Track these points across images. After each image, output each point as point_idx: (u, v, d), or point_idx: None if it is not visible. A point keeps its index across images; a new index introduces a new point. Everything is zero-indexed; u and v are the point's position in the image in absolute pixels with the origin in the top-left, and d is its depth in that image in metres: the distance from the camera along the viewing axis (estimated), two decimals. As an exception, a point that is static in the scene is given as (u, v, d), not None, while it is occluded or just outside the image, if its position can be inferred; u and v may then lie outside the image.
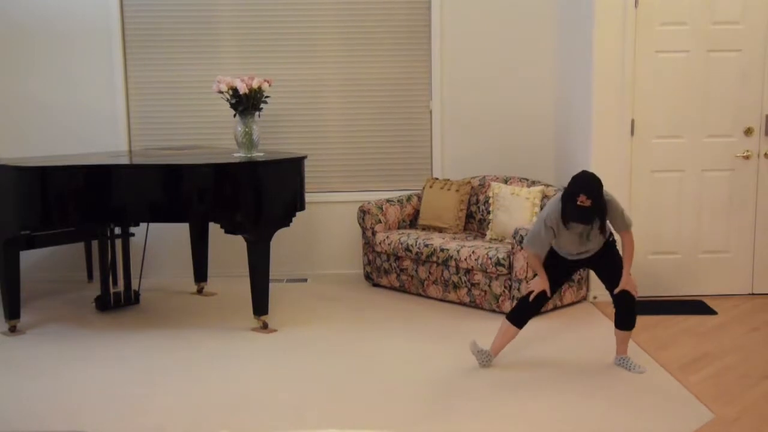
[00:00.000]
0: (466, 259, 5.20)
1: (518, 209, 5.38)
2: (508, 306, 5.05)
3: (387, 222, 5.86)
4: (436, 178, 6.06)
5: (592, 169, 5.33)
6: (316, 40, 6.16)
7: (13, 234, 4.82)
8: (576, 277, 5.32)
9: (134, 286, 5.56)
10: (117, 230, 5.53)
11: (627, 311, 4.16)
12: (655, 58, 5.32)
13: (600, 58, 5.30)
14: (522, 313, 4.18)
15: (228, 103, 5.18)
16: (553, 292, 4.18)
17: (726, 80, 5.35)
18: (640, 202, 5.45)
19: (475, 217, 5.92)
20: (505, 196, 5.48)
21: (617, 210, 4.01)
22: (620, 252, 4.19)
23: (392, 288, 5.78)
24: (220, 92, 5.15)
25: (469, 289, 5.26)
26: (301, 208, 5.04)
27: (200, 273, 5.81)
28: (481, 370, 4.19)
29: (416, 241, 5.50)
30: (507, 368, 4.24)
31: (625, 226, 4.07)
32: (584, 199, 3.80)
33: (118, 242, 5.59)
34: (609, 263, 4.17)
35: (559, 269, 4.20)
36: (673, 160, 5.43)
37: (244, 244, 4.90)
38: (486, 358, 4.21)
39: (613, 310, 5.26)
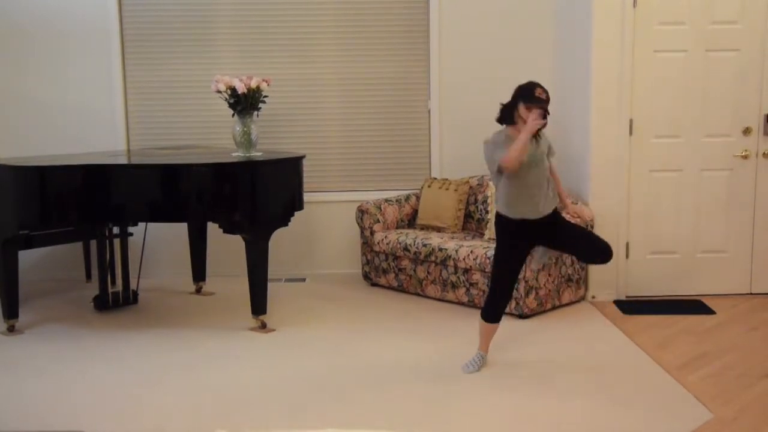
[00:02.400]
0: (464, 259, 5.20)
1: (517, 209, 5.37)
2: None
3: (385, 222, 5.86)
4: (435, 178, 6.06)
5: (591, 169, 5.39)
6: (315, 39, 6.16)
7: (12, 233, 4.81)
8: (575, 277, 5.32)
9: (132, 285, 5.55)
10: (115, 230, 5.52)
11: (603, 258, 4.07)
12: (654, 58, 5.33)
13: (599, 57, 5.31)
14: (494, 308, 4.14)
15: (226, 103, 5.18)
16: (517, 276, 4.16)
17: (724, 80, 5.35)
18: (638, 202, 5.45)
19: (473, 217, 5.92)
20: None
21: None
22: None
23: (391, 287, 5.78)
24: (219, 92, 5.15)
25: (468, 289, 5.26)
26: (300, 207, 5.04)
27: (199, 273, 5.81)
28: (480, 370, 4.20)
29: (415, 241, 5.50)
30: (506, 368, 4.24)
31: (552, 153, 4.18)
32: (541, 92, 3.88)
33: (117, 242, 5.58)
34: (567, 226, 4.17)
35: (520, 253, 4.12)
36: (672, 159, 5.44)
37: (243, 243, 4.90)
38: (482, 362, 4.21)
39: (613, 310, 5.27)
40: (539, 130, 3.95)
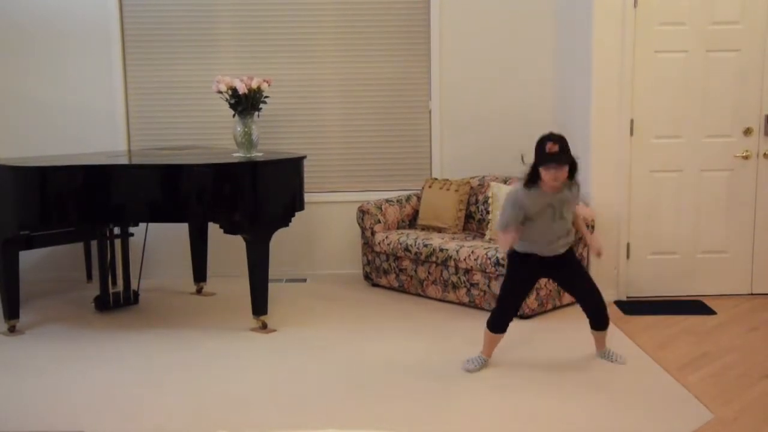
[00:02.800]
0: (465, 259, 5.20)
1: (517, 209, 5.37)
2: (507, 306, 5.05)
3: (386, 222, 5.86)
4: (436, 178, 6.07)
5: (591, 169, 5.39)
6: (316, 40, 6.17)
7: (12, 234, 4.82)
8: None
9: (133, 286, 5.55)
10: (116, 230, 5.53)
11: (598, 311, 4.21)
12: (655, 58, 5.33)
13: (599, 57, 5.31)
14: (502, 319, 4.18)
15: (227, 103, 5.18)
16: (525, 296, 4.31)
17: (725, 80, 5.35)
18: (639, 202, 5.45)
19: (474, 217, 5.92)
20: (505, 196, 5.47)
21: (578, 186, 4.05)
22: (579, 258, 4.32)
23: (391, 288, 5.78)
24: (220, 92, 5.15)
25: (468, 289, 5.26)
26: (301, 208, 5.04)
27: (199, 273, 5.81)
28: (480, 370, 4.20)
29: (415, 241, 5.50)
30: (506, 368, 4.24)
31: (576, 197, 4.10)
32: (552, 146, 3.81)
33: (118, 242, 5.58)
34: (574, 270, 4.20)
35: (528, 281, 4.24)
36: (672, 160, 5.44)
37: (244, 244, 4.90)
38: (483, 363, 4.22)
39: (614, 310, 5.27)
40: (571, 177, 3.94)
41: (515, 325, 4.91)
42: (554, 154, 3.81)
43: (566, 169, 3.87)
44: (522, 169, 3.98)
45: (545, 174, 3.84)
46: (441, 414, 3.70)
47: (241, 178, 4.78)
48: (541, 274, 4.30)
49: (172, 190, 4.77)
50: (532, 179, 3.92)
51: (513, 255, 4.15)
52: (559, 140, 3.84)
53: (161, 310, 5.44)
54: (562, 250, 4.08)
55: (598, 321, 4.24)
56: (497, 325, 4.18)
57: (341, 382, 4.08)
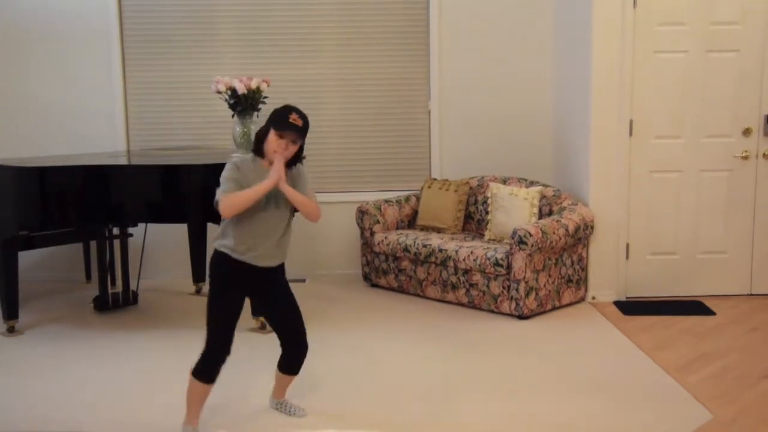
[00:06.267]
0: (464, 260, 5.21)
1: (517, 209, 5.38)
2: (506, 306, 5.05)
3: (385, 222, 5.86)
4: (435, 179, 6.07)
5: (591, 169, 5.39)
6: (315, 40, 6.17)
7: (12, 234, 4.82)
8: (575, 277, 5.32)
9: (132, 286, 5.56)
10: (115, 231, 5.53)
11: (299, 352, 3.55)
12: (654, 59, 5.33)
13: (599, 58, 5.31)
14: (213, 363, 3.37)
15: (226, 104, 5.18)
16: (233, 325, 3.41)
17: (725, 80, 5.35)
18: (638, 203, 5.45)
19: (473, 218, 5.92)
20: (504, 196, 5.48)
21: (305, 176, 3.48)
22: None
23: (391, 288, 5.78)
24: (219, 92, 5.15)
25: (468, 290, 5.26)
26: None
27: (199, 273, 5.81)
28: (480, 371, 4.20)
29: (415, 242, 5.50)
30: (506, 369, 4.24)
31: (313, 197, 3.52)
32: (296, 118, 3.27)
33: (117, 243, 5.58)
34: (286, 294, 3.56)
35: (232, 299, 3.43)
36: (672, 160, 5.44)
37: (243, 244, 4.89)
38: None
39: (613, 310, 5.26)
40: (292, 164, 3.39)
41: (514, 326, 4.92)
42: (296, 124, 3.28)
43: (296, 148, 3.34)
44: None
45: (276, 141, 3.27)
46: (441, 414, 3.70)
47: (240, 178, 4.78)
48: (249, 291, 3.51)
49: (171, 191, 4.77)
50: (258, 147, 3.34)
51: (220, 265, 3.44)
52: (304, 118, 3.32)
53: (160, 310, 5.44)
54: (274, 261, 3.48)
55: (293, 363, 3.57)
56: (207, 370, 3.36)
57: (340, 383, 4.08)
